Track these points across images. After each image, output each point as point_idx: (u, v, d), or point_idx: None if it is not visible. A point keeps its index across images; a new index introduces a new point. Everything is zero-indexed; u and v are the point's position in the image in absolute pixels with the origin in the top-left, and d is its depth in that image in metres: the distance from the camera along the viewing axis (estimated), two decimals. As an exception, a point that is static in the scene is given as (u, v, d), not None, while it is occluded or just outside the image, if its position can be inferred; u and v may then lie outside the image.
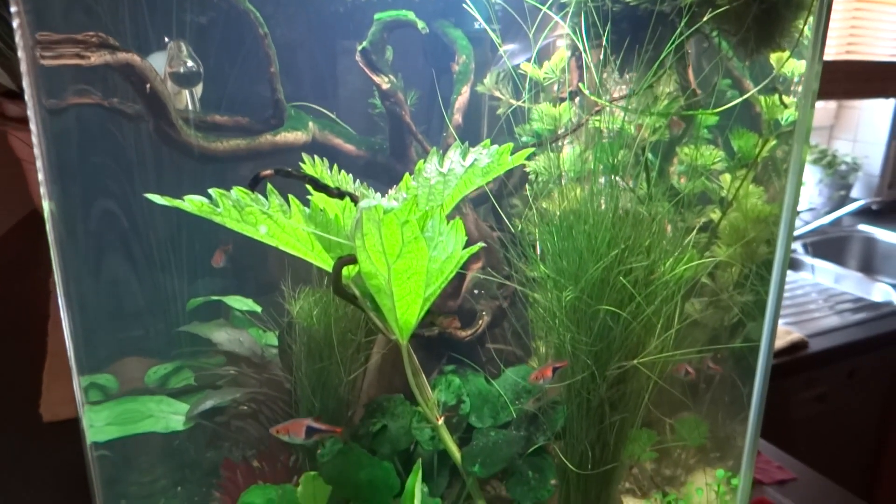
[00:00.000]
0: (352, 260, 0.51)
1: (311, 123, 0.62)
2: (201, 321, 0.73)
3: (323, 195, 0.49)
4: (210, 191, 0.49)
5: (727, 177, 0.71)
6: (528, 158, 0.56)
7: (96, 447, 0.59)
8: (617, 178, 0.58)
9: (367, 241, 0.46)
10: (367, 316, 0.55)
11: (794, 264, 2.70)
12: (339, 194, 0.47)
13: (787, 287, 2.51)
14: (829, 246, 2.88)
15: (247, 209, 0.49)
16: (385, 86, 0.60)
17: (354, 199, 0.48)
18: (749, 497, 0.70)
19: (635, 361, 0.59)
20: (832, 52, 2.72)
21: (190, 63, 0.62)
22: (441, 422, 0.57)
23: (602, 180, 0.59)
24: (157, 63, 0.59)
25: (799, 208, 3.06)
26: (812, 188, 2.99)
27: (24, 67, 0.53)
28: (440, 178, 0.52)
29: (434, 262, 0.48)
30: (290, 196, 0.50)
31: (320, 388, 0.66)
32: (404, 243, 0.46)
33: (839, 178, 3.00)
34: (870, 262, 2.91)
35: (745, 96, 0.63)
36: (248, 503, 0.58)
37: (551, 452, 0.64)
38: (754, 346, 0.68)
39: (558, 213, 0.58)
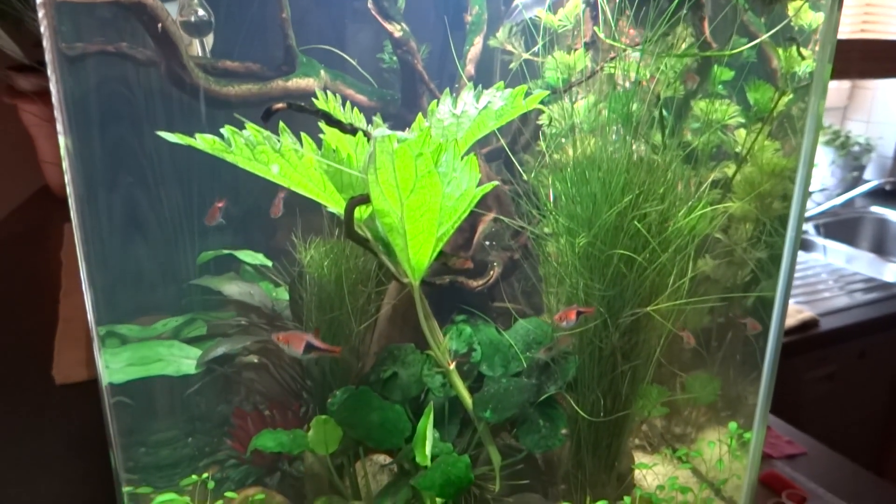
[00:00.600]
0: (364, 200, 0.50)
1: (322, 71, 0.62)
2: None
3: (335, 133, 0.49)
4: (222, 129, 0.49)
5: (742, 132, 0.70)
6: (543, 103, 0.55)
7: (112, 390, 0.59)
8: (632, 126, 0.58)
9: (380, 175, 0.45)
10: (379, 260, 0.55)
11: (806, 245, 2.68)
12: (352, 130, 0.47)
13: (798, 268, 2.49)
14: (842, 227, 2.86)
15: (259, 148, 0.49)
16: (397, 34, 0.60)
17: (368, 136, 0.48)
18: (761, 452, 0.70)
19: (648, 308, 0.58)
20: (846, 31, 2.68)
21: (201, 12, 0.62)
22: (452, 366, 0.57)
23: (616, 128, 0.59)
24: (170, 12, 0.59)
25: (811, 189, 3.05)
26: (825, 169, 2.97)
27: (41, 10, 0.53)
28: (453, 119, 0.52)
29: (447, 200, 0.48)
30: (303, 133, 0.49)
31: (331, 339, 0.66)
32: (418, 177, 0.46)
33: (852, 159, 2.98)
34: (882, 243, 2.89)
35: (759, 40, 0.63)
36: (259, 446, 0.58)
37: (562, 403, 0.64)
38: (769, 296, 0.68)
39: (572, 160, 0.58)
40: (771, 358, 0.68)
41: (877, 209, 2.94)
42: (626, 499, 0.64)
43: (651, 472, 0.71)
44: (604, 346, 0.61)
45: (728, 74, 0.70)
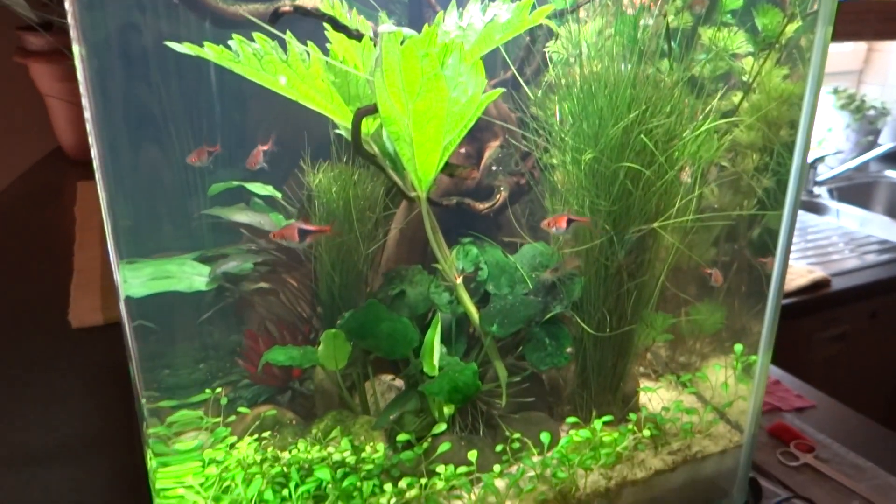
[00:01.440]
0: (371, 110, 0.51)
1: (329, -7, 0.62)
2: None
3: (342, 40, 0.49)
4: (231, 40, 0.50)
5: (749, 59, 0.70)
6: (550, 18, 0.55)
7: (131, 309, 0.60)
8: (638, 47, 0.58)
9: (386, 77, 0.46)
10: (386, 174, 0.56)
11: (819, 209, 2.67)
12: (358, 35, 0.47)
13: (811, 231, 2.49)
14: (856, 191, 2.84)
15: (266, 58, 0.50)
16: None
17: (356, 36, 0.48)
18: (766, 376, 0.71)
19: (655, 225, 0.59)
20: (864, -10, 2.64)
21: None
22: (459, 280, 0.58)
23: (623, 48, 0.59)
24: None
25: (825, 153, 3.02)
26: (839, 133, 2.94)
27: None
28: (459, 31, 0.52)
29: (454, 105, 0.48)
30: (310, 42, 0.50)
31: (339, 263, 0.67)
32: (424, 79, 0.46)
33: (867, 122, 2.95)
34: (894, 204, 2.87)
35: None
36: (271, 360, 0.59)
37: (568, 324, 0.64)
38: (774, 226, 0.68)
39: (579, 78, 0.58)
40: (777, 284, 0.69)
41: (891, 173, 2.91)
42: (632, 415, 0.65)
43: (656, 396, 0.72)
44: (609, 265, 0.61)
45: (737, 3, 0.70)
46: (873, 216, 2.58)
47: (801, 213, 2.62)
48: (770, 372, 1.61)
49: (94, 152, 0.54)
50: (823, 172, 2.83)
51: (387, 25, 0.43)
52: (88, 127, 0.55)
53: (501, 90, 0.52)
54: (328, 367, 0.60)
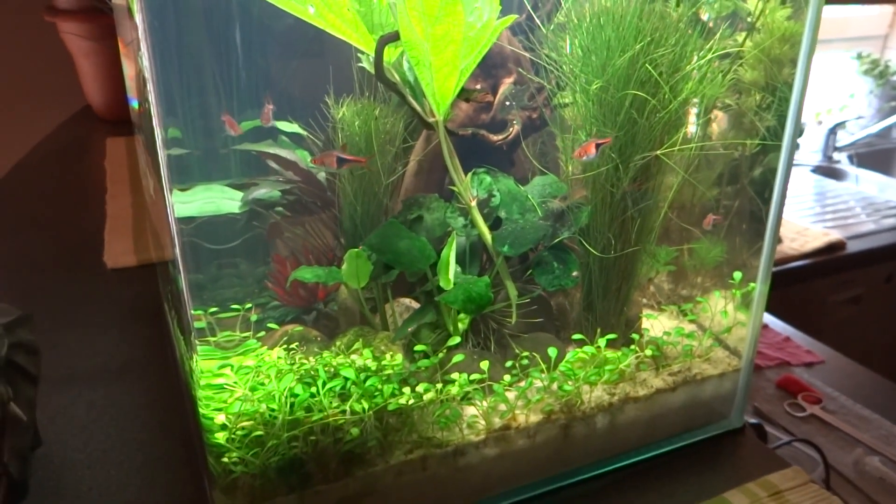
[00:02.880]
0: (393, 37, 0.55)
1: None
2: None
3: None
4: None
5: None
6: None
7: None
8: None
9: (408, 4, 0.50)
10: (405, 101, 0.60)
11: (838, 174, 2.67)
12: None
13: (828, 196, 2.49)
14: (876, 157, 2.84)
15: (295, -11, 0.54)
16: None
17: None
18: (764, 305, 0.74)
19: (658, 152, 0.62)
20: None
21: None
22: (474, 203, 0.62)
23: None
24: None
25: (845, 119, 2.98)
26: (861, 99, 2.92)
27: None
28: (475, -37, 0.56)
29: (470, 30, 0.52)
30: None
31: (361, 193, 0.71)
32: (443, 4, 0.50)
33: (890, 88, 2.93)
34: (907, 168, 2.86)
35: None
36: (298, 277, 0.64)
37: (576, 250, 0.69)
38: (774, 167, 0.71)
39: (588, 12, 0.62)
40: (775, 213, 0.72)
41: (913, 139, 2.90)
42: (635, 336, 0.69)
43: (658, 322, 0.76)
44: (615, 191, 0.65)
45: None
46: (893, 181, 2.58)
47: (819, 178, 2.63)
48: (781, 329, 1.64)
49: (150, 94, 0.58)
50: (843, 138, 2.82)
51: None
52: (147, 74, 0.58)
53: (515, 16, 0.55)
54: (351, 285, 0.65)
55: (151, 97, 0.60)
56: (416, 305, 0.72)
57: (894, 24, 3.03)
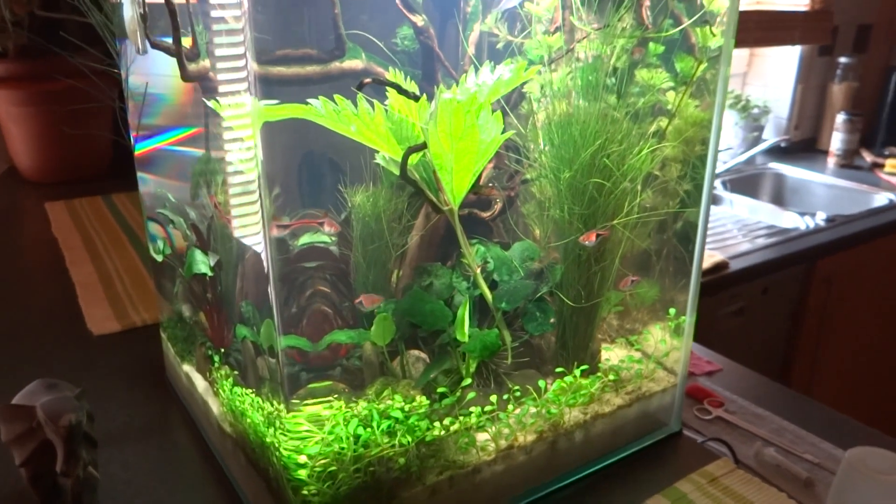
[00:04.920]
0: (419, 147, 0.70)
1: (363, 54, 0.80)
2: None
3: (398, 97, 0.68)
4: (317, 99, 0.68)
5: (672, 93, 0.93)
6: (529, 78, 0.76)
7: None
8: (598, 90, 0.80)
9: (439, 126, 0.66)
10: (424, 195, 0.75)
11: (715, 199, 3.01)
12: (415, 97, 0.67)
13: (710, 219, 2.82)
14: (745, 182, 3.20)
15: (343, 112, 0.68)
16: (420, 23, 0.79)
17: (414, 97, 0.68)
18: (693, 333, 0.94)
19: (614, 222, 0.81)
20: (744, 4, 3.00)
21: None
22: (479, 270, 0.78)
23: (586, 91, 0.80)
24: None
25: (720, 148, 3.34)
26: (730, 130, 3.30)
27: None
28: (478, 87, 0.72)
29: (482, 144, 0.68)
30: (375, 101, 0.69)
31: (373, 264, 0.86)
32: (465, 128, 0.66)
33: (752, 120, 3.31)
34: (780, 195, 3.25)
35: (683, 26, 0.85)
36: (334, 340, 0.78)
37: (551, 301, 0.86)
38: (695, 222, 0.92)
39: (557, 115, 0.79)
40: (698, 258, 0.92)
41: (774, 165, 3.30)
42: (600, 365, 0.87)
43: (613, 353, 0.95)
44: (581, 255, 0.83)
45: (661, 49, 0.93)
46: (761, 204, 2.93)
47: (700, 203, 2.96)
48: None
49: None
50: (718, 167, 3.18)
51: (445, 93, 0.63)
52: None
53: (512, 132, 0.72)
54: (378, 343, 0.79)
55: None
56: (423, 356, 0.86)
57: (751, 63, 3.45)
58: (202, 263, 0.82)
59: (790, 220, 2.77)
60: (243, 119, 0.65)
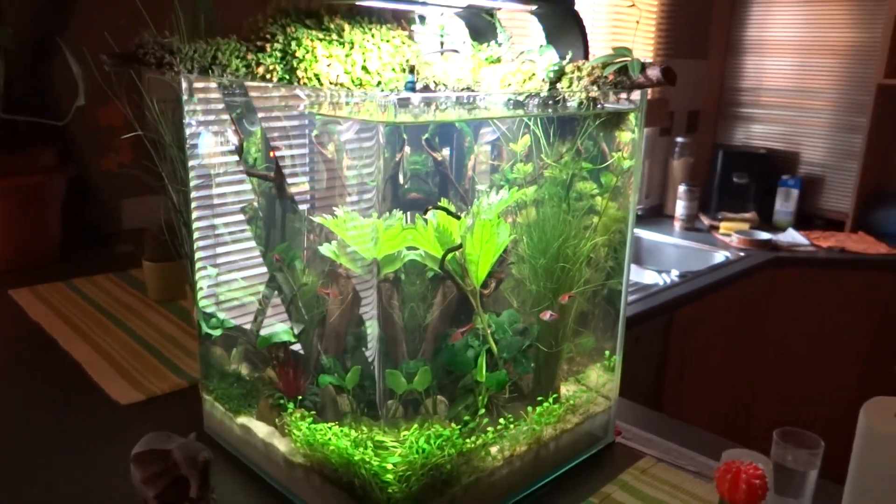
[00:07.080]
0: (455, 248, 1.03)
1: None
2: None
3: (444, 216, 1.01)
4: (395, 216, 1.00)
5: (599, 199, 1.32)
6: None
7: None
8: (559, 201, 1.17)
9: (474, 236, 0.99)
10: (454, 281, 1.08)
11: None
12: (457, 216, 1.00)
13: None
14: (610, 245, 3.70)
15: (405, 230, 1.01)
16: (439, 158, 1.13)
17: (457, 217, 1.02)
18: (621, 369, 1.32)
19: (573, 292, 1.17)
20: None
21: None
22: (489, 332, 1.11)
23: (550, 200, 1.17)
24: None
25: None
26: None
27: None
28: (489, 205, 1.07)
29: (499, 246, 1.03)
30: (427, 218, 1.01)
31: (407, 333, 1.17)
32: (490, 236, 1.00)
33: (612, 192, 3.84)
34: (639, 255, 3.80)
35: (610, 162, 1.25)
36: (391, 385, 1.07)
37: (530, 350, 1.20)
38: (618, 289, 1.30)
39: (532, 219, 1.15)
40: (622, 317, 1.30)
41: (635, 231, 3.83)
42: (562, 395, 1.22)
43: (566, 388, 1.30)
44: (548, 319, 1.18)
45: (588, 166, 1.32)
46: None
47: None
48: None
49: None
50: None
51: (484, 215, 0.97)
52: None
53: (515, 235, 1.07)
54: (418, 388, 1.10)
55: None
56: (443, 399, 1.17)
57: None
58: (285, 333, 1.10)
59: (650, 276, 3.29)
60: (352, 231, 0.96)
